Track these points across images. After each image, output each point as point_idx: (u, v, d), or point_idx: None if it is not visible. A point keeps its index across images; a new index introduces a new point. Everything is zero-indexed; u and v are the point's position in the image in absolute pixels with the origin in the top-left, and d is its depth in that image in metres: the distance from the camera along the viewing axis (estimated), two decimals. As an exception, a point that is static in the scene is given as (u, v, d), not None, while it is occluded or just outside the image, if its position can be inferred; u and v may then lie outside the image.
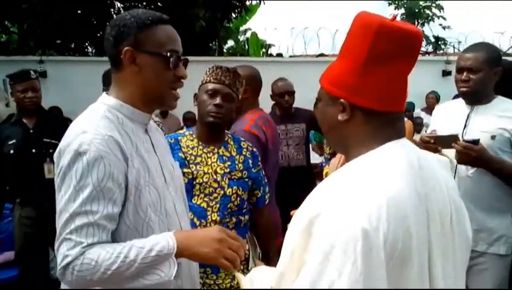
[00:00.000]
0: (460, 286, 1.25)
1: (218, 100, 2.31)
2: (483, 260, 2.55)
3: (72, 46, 10.72)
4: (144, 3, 10.66)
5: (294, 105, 4.23)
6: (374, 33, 1.17)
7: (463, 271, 1.28)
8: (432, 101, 7.88)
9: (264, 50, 12.97)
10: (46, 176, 3.54)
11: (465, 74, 2.50)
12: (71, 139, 1.46)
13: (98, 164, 1.43)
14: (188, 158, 2.34)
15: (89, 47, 11.65)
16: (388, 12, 9.69)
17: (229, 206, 2.31)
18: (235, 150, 2.41)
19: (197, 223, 2.29)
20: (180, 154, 2.35)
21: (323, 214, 1.08)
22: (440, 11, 9.26)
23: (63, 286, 1.58)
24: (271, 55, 11.76)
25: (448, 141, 2.47)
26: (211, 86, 2.35)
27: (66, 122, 4.11)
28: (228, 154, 2.39)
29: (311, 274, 1.06)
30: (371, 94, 1.20)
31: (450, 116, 2.67)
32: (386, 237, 1.05)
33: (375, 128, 1.22)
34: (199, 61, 6.91)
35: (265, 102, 6.96)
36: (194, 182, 2.31)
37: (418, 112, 7.98)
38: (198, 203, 2.31)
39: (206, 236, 1.51)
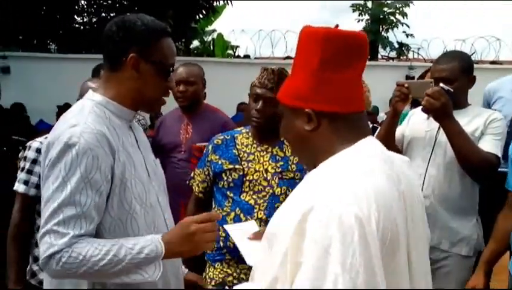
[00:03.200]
0: (428, 272, 1.37)
1: (259, 105, 2.32)
2: (447, 263, 2.59)
3: (35, 42, 10.50)
4: (109, 1, 10.57)
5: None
6: (321, 42, 1.23)
7: (428, 260, 1.39)
8: (396, 105, 8.01)
9: (230, 51, 12.98)
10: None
11: (441, 84, 2.51)
12: (61, 132, 1.48)
13: (86, 156, 1.45)
14: (241, 155, 2.38)
15: (51, 43, 11.45)
16: (353, 17, 9.86)
17: (276, 205, 2.29)
18: (289, 150, 2.40)
19: (243, 219, 2.28)
20: (234, 150, 2.40)
21: (316, 208, 1.09)
22: (404, 18, 9.49)
23: (43, 276, 1.58)
24: (238, 56, 11.77)
25: (421, 87, 2.50)
26: (255, 90, 2.36)
27: (27, 120, 4.05)
28: (282, 154, 2.40)
29: (311, 272, 1.06)
30: (332, 99, 1.25)
31: (423, 121, 2.69)
32: (378, 225, 1.09)
33: (342, 130, 1.27)
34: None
35: (235, 102, 6.93)
36: (244, 179, 2.33)
37: (381, 116, 8.14)
38: (246, 199, 2.32)
39: (183, 235, 1.54)
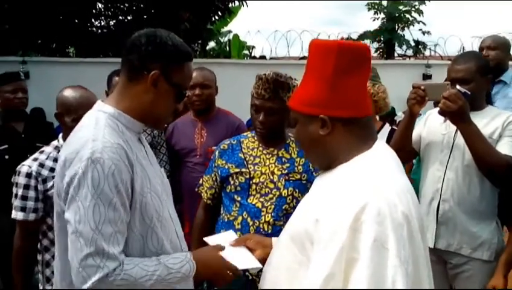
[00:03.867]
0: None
1: (261, 117, 2.35)
2: (468, 267, 2.58)
3: (53, 46, 10.62)
4: (127, 4, 10.64)
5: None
6: (335, 53, 1.38)
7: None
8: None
9: (246, 52, 13.00)
10: None
11: (457, 85, 2.51)
12: (79, 148, 1.48)
13: (111, 171, 1.45)
14: (247, 159, 2.41)
15: (69, 48, 11.56)
16: (368, 16, 9.79)
17: (284, 207, 2.32)
18: (296, 152, 2.43)
19: (250, 223, 2.31)
20: (240, 154, 2.43)
21: (368, 208, 1.22)
22: (420, 15, 9.41)
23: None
24: (254, 57, 11.78)
25: (437, 89, 2.49)
26: (254, 100, 2.38)
27: (50, 127, 4.08)
28: (288, 156, 2.42)
29: (371, 266, 1.18)
30: (344, 104, 1.39)
31: (440, 124, 2.68)
32: (417, 220, 1.27)
33: (355, 134, 1.41)
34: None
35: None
36: (251, 182, 2.36)
37: (399, 115, 8.07)
38: (253, 203, 2.34)
39: (211, 262, 1.70)
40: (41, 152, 2.62)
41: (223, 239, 1.91)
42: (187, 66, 1.66)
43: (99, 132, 1.51)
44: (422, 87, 2.54)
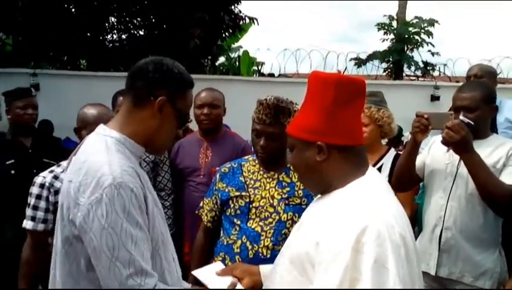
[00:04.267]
0: None
1: (262, 142, 2.37)
2: None
3: (65, 58, 10.74)
4: (139, 18, 10.75)
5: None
6: (335, 85, 1.48)
7: None
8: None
9: (255, 68, 13.05)
10: None
11: (462, 113, 2.53)
12: (95, 173, 1.49)
13: (134, 194, 1.49)
14: (247, 182, 2.43)
15: (81, 60, 11.68)
16: (378, 36, 9.81)
17: (283, 232, 2.32)
18: (296, 176, 2.42)
19: (249, 247, 2.31)
20: (241, 178, 2.45)
21: (368, 230, 1.28)
22: (429, 37, 9.42)
23: None
24: (263, 74, 11.84)
25: (441, 119, 2.51)
26: (255, 125, 2.40)
27: (58, 142, 4.12)
28: (288, 180, 2.43)
29: (372, 285, 1.24)
30: (341, 133, 1.47)
31: (444, 153, 2.67)
32: (411, 242, 1.34)
33: (350, 161, 1.49)
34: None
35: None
36: (251, 206, 2.37)
37: (406, 135, 8.06)
38: (253, 227, 2.34)
39: None
40: (58, 165, 2.72)
41: (211, 271, 1.93)
42: (189, 93, 1.74)
43: (113, 157, 1.54)
44: (425, 116, 2.56)
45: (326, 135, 1.47)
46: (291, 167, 2.46)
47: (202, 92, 3.44)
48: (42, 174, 2.63)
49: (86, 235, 1.48)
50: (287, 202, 2.37)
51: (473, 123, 2.44)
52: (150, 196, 1.62)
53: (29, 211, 2.59)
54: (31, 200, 2.59)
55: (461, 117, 2.48)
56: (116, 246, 1.44)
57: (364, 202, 1.38)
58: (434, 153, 2.77)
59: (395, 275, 1.23)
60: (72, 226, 1.52)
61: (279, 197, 2.38)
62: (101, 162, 1.52)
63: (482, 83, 2.95)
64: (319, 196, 1.61)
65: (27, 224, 2.60)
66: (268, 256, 2.27)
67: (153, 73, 1.63)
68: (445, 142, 2.47)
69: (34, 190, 2.59)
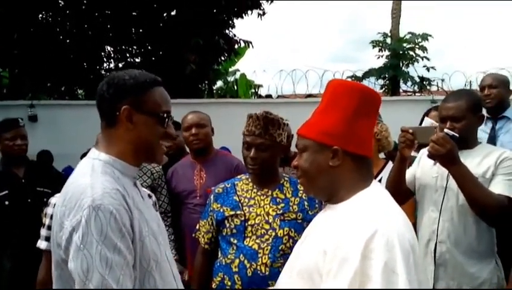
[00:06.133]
0: None
1: (252, 153, 2.38)
2: None
3: (63, 89, 10.79)
4: (135, 46, 10.84)
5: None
6: (359, 95, 1.50)
7: None
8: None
9: (253, 90, 13.11)
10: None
11: (448, 123, 2.53)
12: (78, 196, 1.48)
13: (113, 216, 1.46)
14: (241, 201, 2.42)
15: (78, 90, 11.74)
16: (374, 53, 9.86)
17: (280, 248, 2.31)
18: (290, 192, 2.44)
19: (247, 265, 2.30)
20: (235, 197, 2.44)
21: (377, 236, 1.28)
22: (424, 52, 9.47)
23: None
24: (260, 96, 11.88)
25: (425, 133, 2.52)
26: (245, 138, 2.43)
27: (52, 170, 4.12)
28: (283, 197, 2.43)
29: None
30: (358, 142, 1.47)
31: (431, 166, 2.67)
32: (418, 250, 1.36)
33: (362, 170, 1.49)
34: (189, 103, 6.97)
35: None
36: (246, 224, 2.36)
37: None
38: (250, 245, 2.33)
39: None
40: None
41: None
42: (156, 91, 1.68)
43: (97, 179, 1.53)
44: (410, 131, 2.57)
45: (344, 140, 1.47)
46: (286, 182, 2.46)
47: (188, 114, 3.49)
48: (57, 195, 2.63)
49: (68, 258, 1.47)
50: (282, 217, 2.36)
51: (458, 135, 2.44)
52: (140, 216, 1.59)
53: (43, 231, 2.61)
54: (46, 220, 2.60)
55: (446, 130, 2.47)
56: (91, 269, 1.42)
57: (373, 210, 1.38)
58: (423, 166, 2.76)
59: (405, 280, 1.23)
60: (60, 250, 1.52)
61: (274, 213, 2.37)
62: (83, 185, 1.51)
63: (469, 91, 2.96)
64: (324, 209, 1.62)
65: (41, 244, 2.61)
66: (267, 273, 2.24)
67: (107, 90, 1.63)
68: (431, 155, 2.46)
69: (49, 210, 2.60)
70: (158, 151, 1.73)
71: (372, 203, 1.41)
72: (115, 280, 1.42)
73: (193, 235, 2.65)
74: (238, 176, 2.63)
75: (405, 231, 1.33)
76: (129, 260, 1.48)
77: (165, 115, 1.68)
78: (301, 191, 2.45)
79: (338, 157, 1.46)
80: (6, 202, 3.52)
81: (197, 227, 2.62)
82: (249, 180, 2.50)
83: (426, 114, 3.92)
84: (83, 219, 1.44)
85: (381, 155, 3.65)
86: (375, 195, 1.46)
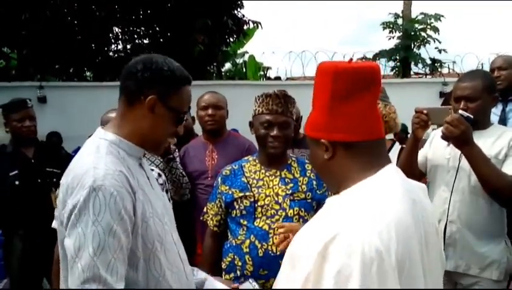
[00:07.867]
0: None
1: (275, 131, 2.33)
2: (479, 288, 2.53)
3: (71, 70, 10.79)
4: (143, 28, 10.79)
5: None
6: (331, 76, 1.32)
7: (441, 286, 1.41)
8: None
9: (262, 73, 13.06)
10: (54, 205, 3.50)
11: (463, 103, 2.50)
12: (80, 176, 1.47)
13: (113, 198, 1.44)
14: (250, 182, 2.40)
15: (87, 72, 11.74)
16: (384, 35, 9.74)
17: None
18: (298, 172, 2.42)
19: (258, 245, 2.29)
20: (243, 179, 2.42)
21: (339, 237, 1.15)
22: (435, 33, 9.36)
23: None
24: (269, 78, 11.82)
25: (440, 114, 2.49)
26: (264, 117, 2.37)
27: (62, 151, 4.12)
28: (291, 177, 2.41)
29: None
30: (344, 128, 1.33)
31: (444, 147, 2.64)
32: (397, 256, 1.16)
33: (360, 158, 1.34)
34: (198, 85, 6.94)
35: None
36: (256, 205, 2.35)
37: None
38: (260, 225, 2.32)
39: None
40: None
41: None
42: (185, 90, 1.66)
43: (100, 160, 1.51)
44: (424, 112, 2.53)
45: (327, 131, 1.34)
46: (294, 162, 2.45)
47: (205, 94, 3.46)
48: None
49: (66, 234, 1.47)
50: (292, 197, 2.34)
51: (472, 117, 2.40)
52: (144, 197, 1.57)
53: (57, 212, 2.59)
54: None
55: (460, 111, 2.44)
56: (82, 248, 1.40)
57: (348, 207, 1.25)
58: (435, 147, 2.73)
59: (358, 288, 1.11)
60: (63, 229, 1.51)
61: (284, 193, 2.35)
62: (86, 165, 1.49)
63: (484, 71, 2.89)
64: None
65: (55, 224, 2.59)
66: (278, 253, 2.22)
67: (141, 72, 1.59)
68: (445, 137, 2.43)
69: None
70: (162, 146, 1.75)
71: (357, 200, 1.27)
72: (105, 262, 1.40)
73: (201, 218, 2.63)
74: (245, 158, 2.60)
75: (376, 236, 1.15)
76: (124, 244, 1.46)
77: (182, 116, 1.68)
78: (309, 171, 2.43)
79: (329, 150, 1.34)
80: (17, 182, 3.52)
81: (205, 210, 2.60)
82: (257, 161, 2.47)
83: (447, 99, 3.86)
84: (82, 198, 1.43)
85: (390, 136, 3.62)
86: (372, 187, 1.30)
